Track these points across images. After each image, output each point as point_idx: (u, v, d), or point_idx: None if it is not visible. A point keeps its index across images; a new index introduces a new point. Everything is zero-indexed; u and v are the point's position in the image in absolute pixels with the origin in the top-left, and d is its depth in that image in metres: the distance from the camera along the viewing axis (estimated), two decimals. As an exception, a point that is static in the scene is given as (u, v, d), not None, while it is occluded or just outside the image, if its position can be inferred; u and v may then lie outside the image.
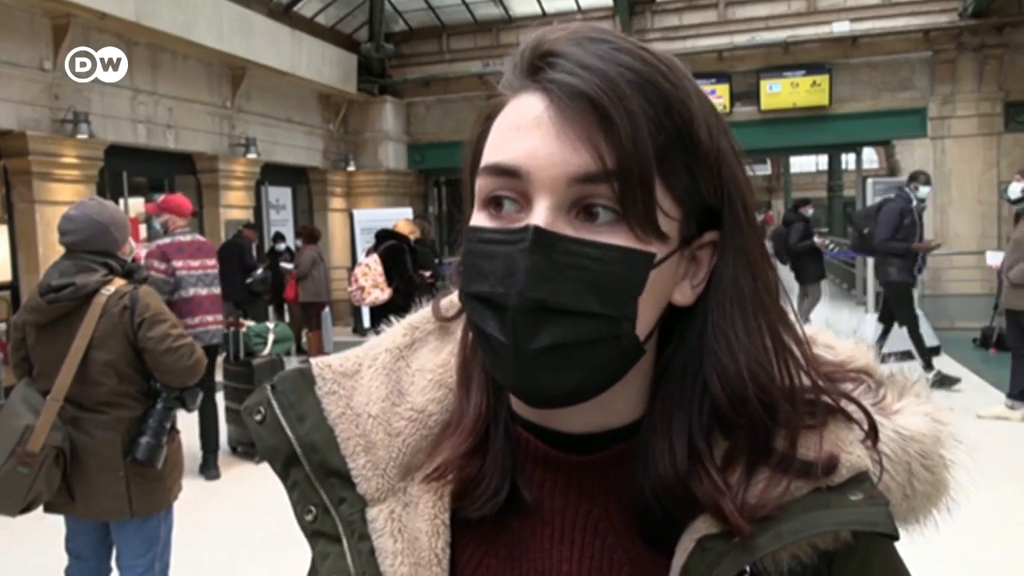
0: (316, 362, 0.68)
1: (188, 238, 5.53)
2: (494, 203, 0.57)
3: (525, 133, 0.54)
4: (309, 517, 0.65)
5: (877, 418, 0.60)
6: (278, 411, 0.66)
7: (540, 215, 0.53)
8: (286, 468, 0.66)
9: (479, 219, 0.57)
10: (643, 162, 0.53)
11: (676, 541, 0.57)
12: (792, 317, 0.61)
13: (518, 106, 0.56)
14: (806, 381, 0.59)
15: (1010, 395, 6.41)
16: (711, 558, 0.55)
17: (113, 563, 3.06)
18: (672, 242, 0.56)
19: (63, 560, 3.03)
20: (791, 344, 0.60)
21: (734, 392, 0.57)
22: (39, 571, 3.90)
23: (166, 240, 5.44)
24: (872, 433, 0.59)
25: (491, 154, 0.57)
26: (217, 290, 5.64)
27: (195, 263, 5.46)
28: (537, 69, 0.56)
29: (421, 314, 0.72)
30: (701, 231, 0.58)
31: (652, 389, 0.61)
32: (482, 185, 0.57)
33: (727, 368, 0.57)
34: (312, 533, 0.65)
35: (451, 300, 0.70)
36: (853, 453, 0.58)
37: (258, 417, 0.67)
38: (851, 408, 0.59)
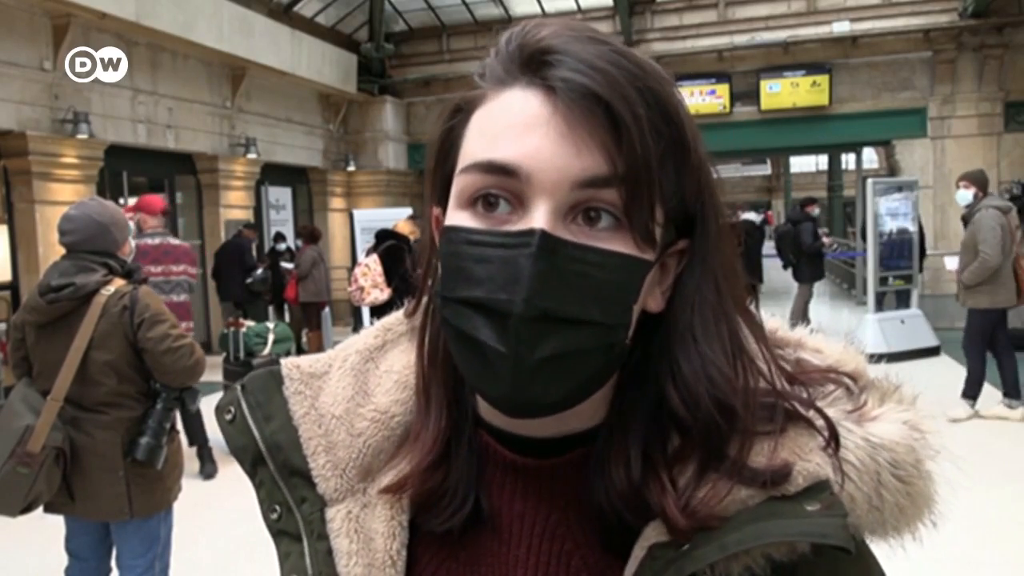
0: (286, 363, 0.68)
1: (156, 241, 5.38)
2: (483, 202, 0.54)
3: (524, 131, 0.52)
4: (274, 516, 0.66)
5: (846, 424, 0.57)
6: (246, 411, 0.67)
7: (541, 219, 0.51)
8: (253, 467, 0.67)
9: (461, 219, 0.55)
10: (649, 168, 0.52)
11: (632, 548, 0.56)
12: (760, 321, 0.60)
13: (512, 101, 0.54)
14: (765, 386, 0.58)
15: (1006, 394, 6.42)
16: (659, 566, 0.53)
17: (113, 563, 3.06)
18: (657, 249, 0.55)
19: (63, 560, 3.03)
20: (753, 350, 0.58)
21: (689, 396, 0.56)
22: (39, 571, 3.90)
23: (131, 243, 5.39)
24: (833, 440, 0.56)
25: (482, 151, 0.54)
26: (183, 297, 5.46)
27: (156, 269, 5.26)
28: (537, 65, 0.53)
29: (395, 316, 0.71)
30: (677, 238, 0.58)
31: (613, 394, 0.60)
32: (469, 182, 0.54)
33: (683, 372, 0.56)
34: (276, 532, 0.66)
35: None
36: (811, 461, 0.55)
37: (228, 416, 0.68)
38: (812, 415, 0.57)
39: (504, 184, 0.53)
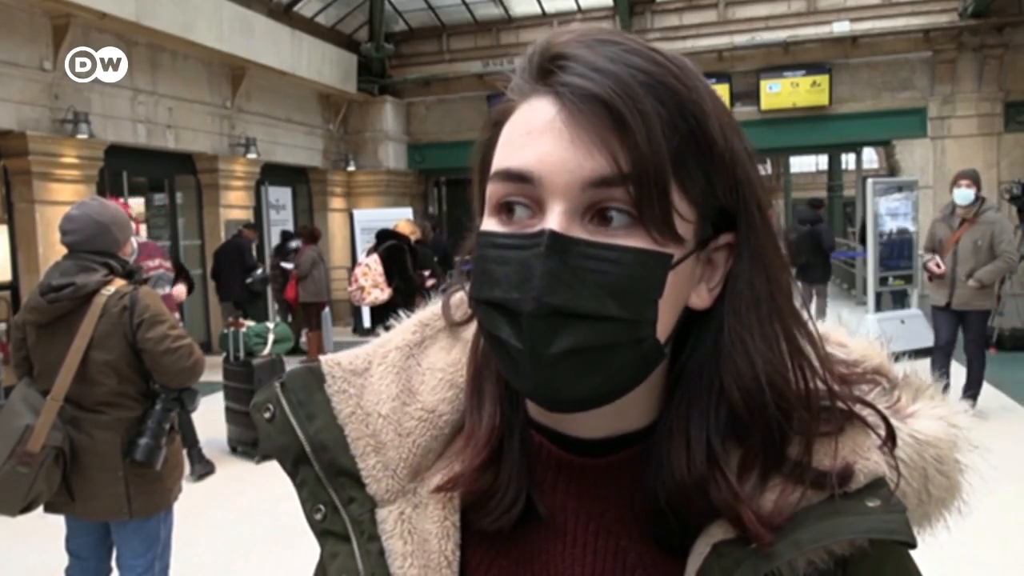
0: (326, 360, 0.68)
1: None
2: (506, 209, 0.56)
3: (536, 138, 0.54)
4: (318, 516, 0.65)
5: (893, 422, 0.58)
6: (287, 409, 0.66)
7: (554, 220, 0.52)
8: (295, 466, 0.66)
9: (489, 224, 0.57)
10: (658, 164, 0.52)
11: (690, 545, 0.57)
12: (807, 319, 0.60)
13: (528, 111, 0.55)
14: (821, 386, 0.58)
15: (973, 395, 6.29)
16: (728, 564, 0.54)
17: (113, 563, 3.06)
18: (688, 244, 0.55)
19: (63, 560, 3.03)
20: (806, 349, 0.59)
21: (751, 397, 0.56)
22: (39, 571, 3.90)
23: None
24: (890, 439, 0.58)
25: (502, 160, 0.56)
26: (166, 290, 5.40)
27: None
28: (547, 73, 0.55)
29: (431, 311, 0.71)
30: (717, 233, 0.57)
31: (667, 393, 0.61)
32: (493, 191, 0.56)
33: (744, 373, 0.56)
34: (321, 532, 0.65)
35: (460, 298, 0.69)
36: (870, 459, 0.57)
37: (267, 415, 0.66)
38: (867, 413, 0.58)
39: (522, 190, 0.54)
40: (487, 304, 0.55)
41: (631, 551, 0.60)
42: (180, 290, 5.68)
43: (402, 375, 0.67)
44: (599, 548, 0.60)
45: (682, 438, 0.58)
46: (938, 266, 6.32)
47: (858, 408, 0.58)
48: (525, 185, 0.54)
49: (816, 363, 0.59)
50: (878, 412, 0.58)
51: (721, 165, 0.55)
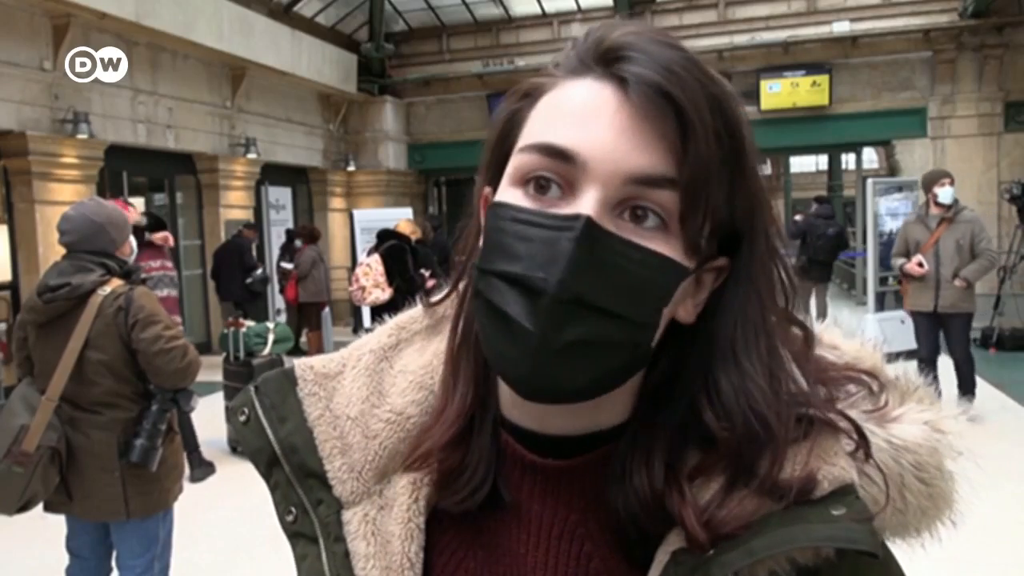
0: (299, 363, 0.68)
1: None
2: (536, 184, 0.54)
3: (587, 119, 0.53)
4: (290, 518, 0.66)
5: (868, 427, 0.57)
6: (260, 412, 0.66)
7: (590, 206, 0.51)
8: (268, 469, 0.67)
9: (512, 196, 0.55)
10: (709, 177, 0.52)
11: (651, 554, 0.56)
12: (807, 325, 0.60)
13: (580, 89, 0.54)
14: (794, 392, 0.58)
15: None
16: (683, 572, 0.53)
17: (113, 563, 3.06)
18: (698, 260, 0.56)
19: (63, 560, 3.03)
20: (793, 371, 0.58)
21: (724, 411, 0.55)
22: (39, 571, 3.90)
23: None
24: (863, 446, 0.56)
25: (541, 133, 0.54)
26: (165, 292, 5.38)
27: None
28: (611, 59, 0.54)
29: (409, 314, 0.71)
30: (718, 254, 0.57)
31: (637, 397, 0.60)
32: (525, 162, 0.55)
33: (721, 387, 0.56)
34: (292, 534, 0.66)
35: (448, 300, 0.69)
36: (837, 465, 0.55)
37: (242, 418, 0.67)
38: (837, 419, 0.57)
39: (559, 169, 0.53)
40: (500, 277, 0.54)
41: (595, 556, 0.59)
42: (164, 235, 5.64)
43: (373, 378, 0.67)
44: (562, 552, 0.60)
45: (646, 446, 0.57)
46: (921, 265, 6.16)
47: (830, 415, 0.57)
48: (563, 164, 0.53)
49: (801, 381, 0.58)
50: (847, 417, 0.56)
51: (746, 188, 0.56)
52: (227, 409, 6.33)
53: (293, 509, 0.65)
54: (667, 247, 0.53)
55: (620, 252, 0.52)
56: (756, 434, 0.55)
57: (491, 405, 0.63)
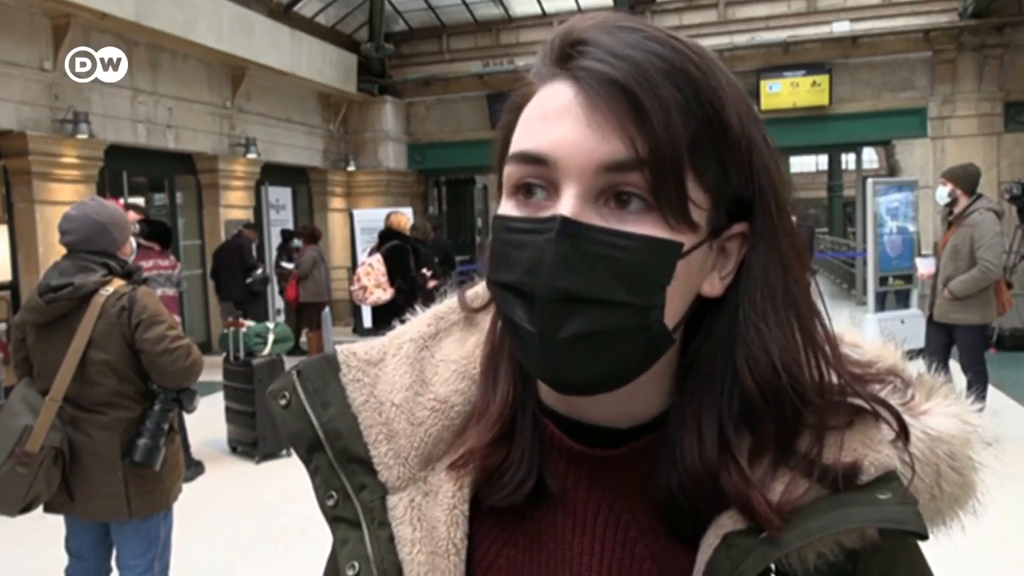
0: (342, 349, 0.69)
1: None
2: (524, 191, 0.56)
3: (553, 121, 0.54)
4: (330, 502, 0.66)
5: (906, 418, 0.59)
6: (303, 396, 0.67)
7: (567, 204, 0.53)
8: (309, 453, 0.67)
9: (507, 207, 0.57)
10: (675, 151, 0.52)
11: (701, 536, 0.57)
12: (823, 313, 0.61)
13: (546, 94, 0.56)
14: (835, 379, 0.59)
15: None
16: (737, 554, 0.54)
17: (113, 563, 3.06)
18: (701, 232, 0.55)
19: (63, 560, 3.03)
20: (821, 340, 0.59)
21: (766, 384, 0.56)
22: (39, 571, 3.90)
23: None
24: (903, 433, 0.58)
25: (519, 142, 0.57)
26: (164, 291, 5.45)
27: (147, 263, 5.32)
28: (567, 57, 0.56)
29: (447, 304, 0.72)
30: (731, 222, 0.57)
31: (679, 381, 0.61)
32: (510, 173, 0.57)
33: (759, 359, 0.56)
34: (333, 518, 0.66)
35: (476, 291, 0.71)
36: (881, 452, 0.57)
37: (283, 402, 0.68)
38: (880, 408, 0.58)
39: (539, 172, 0.55)
40: (503, 287, 0.56)
41: (640, 542, 0.60)
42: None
43: (415, 366, 0.68)
44: (607, 538, 0.61)
45: (694, 425, 0.58)
46: (928, 270, 5.87)
47: (871, 403, 0.58)
48: (541, 167, 0.55)
49: (830, 355, 0.59)
50: (889, 407, 0.58)
51: (737, 153, 0.55)
52: (229, 410, 6.34)
53: (334, 493, 0.66)
54: (655, 226, 0.53)
55: (602, 241, 0.53)
56: (798, 409, 0.57)
57: (531, 399, 0.64)
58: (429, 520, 0.63)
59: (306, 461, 0.67)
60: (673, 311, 0.55)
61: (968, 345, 5.63)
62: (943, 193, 5.76)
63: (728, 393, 0.58)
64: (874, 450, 0.57)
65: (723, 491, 0.56)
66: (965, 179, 5.66)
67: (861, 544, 0.54)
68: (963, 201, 5.59)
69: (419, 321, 0.71)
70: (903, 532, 0.53)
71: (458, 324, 0.70)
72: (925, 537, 0.54)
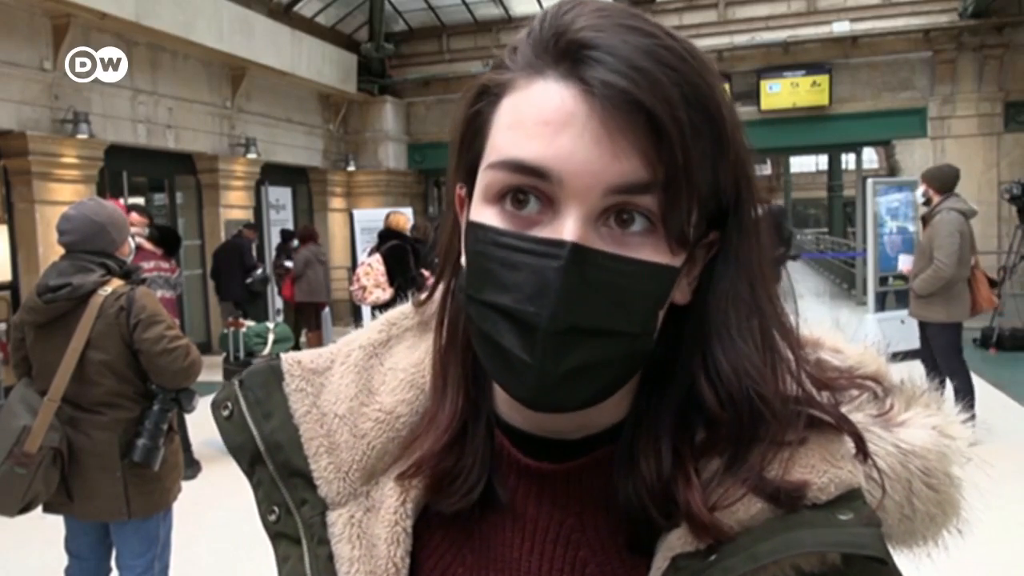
0: (286, 358, 0.66)
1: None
2: (513, 199, 0.52)
3: (557, 131, 0.49)
4: (272, 517, 0.64)
5: (875, 431, 0.55)
6: (244, 407, 0.64)
7: (572, 228, 0.49)
8: (251, 466, 0.64)
9: (489, 216, 0.52)
10: (690, 173, 0.50)
11: (654, 554, 0.55)
12: (792, 322, 0.58)
13: (543, 95, 0.51)
14: (796, 391, 0.56)
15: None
16: None
17: (113, 563, 3.06)
18: (688, 248, 0.53)
19: (63, 560, 3.03)
20: (784, 351, 0.56)
21: (724, 390, 0.54)
22: (39, 571, 3.90)
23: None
24: (861, 449, 0.54)
25: (511, 147, 0.51)
26: (161, 293, 5.42)
27: (148, 265, 5.30)
28: (570, 58, 0.50)
29: (400, 309, 0.69)
30: (708, 231, 0.55)
31: (637, 385, 0.59)
32: (498, 179, 0.52)
33: (720, 366, 0.54)
34: (275, 534, 0.64)
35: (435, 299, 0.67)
36: (843, 468, 0.53)
37: (225, 413, 0.65)
38: (841, 422, 0.55)
39: (534, 183, 0.51)
40: (489, 307, 0.52)
41: (591, 562, 0.57)
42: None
43: (363, 375, 0.65)
44: (556, 556, 0.58)
45: (651, 433, 0.56)
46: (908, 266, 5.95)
47: (830, 416, 0.55)
48: (537, 179, 0.50)
49: (794, 364, 0.56)
50: (848, 423, 0.55)
51: (729, 166, 0.53)
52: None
53: (276, 508, 0.63)
54: (655, 249, 0.51)
55: (610, 268, 0.50)
56: (756, 417, 0.53)
57: (484, 407, 0.61)
58: (370, 538, 0.60)
59: (248, 475, 0.65)
60: (656, 325, 0.54)
61: (941, 346, 5.65)
62: (919, 193, 5.91)
63: (686, 402, 0.56)
64: (835, 466, 0.53)
65: (675, 500, 0.53)
66: (939, 179, 5.75)
67: (822, 568, 0.50)
68: (935, 201, 5.71)
69: (372, 327, 0.68)
70: (863, 557, 0.49)
71: (411, 330, 0.67)
72: (885, 563, 0.50)
